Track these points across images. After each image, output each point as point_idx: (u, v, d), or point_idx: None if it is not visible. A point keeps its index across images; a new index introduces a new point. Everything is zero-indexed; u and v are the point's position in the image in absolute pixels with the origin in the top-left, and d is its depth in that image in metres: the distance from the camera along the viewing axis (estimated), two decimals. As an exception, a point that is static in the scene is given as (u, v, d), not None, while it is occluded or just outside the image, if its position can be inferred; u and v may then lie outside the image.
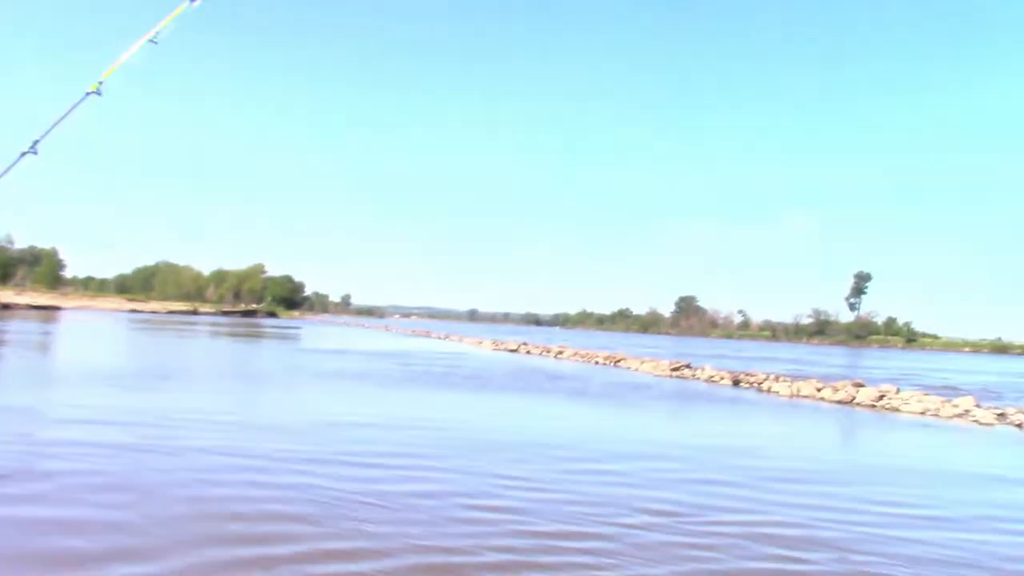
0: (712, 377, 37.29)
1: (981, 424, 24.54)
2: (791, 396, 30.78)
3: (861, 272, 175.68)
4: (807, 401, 29.41)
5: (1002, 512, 11.94)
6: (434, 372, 34.24)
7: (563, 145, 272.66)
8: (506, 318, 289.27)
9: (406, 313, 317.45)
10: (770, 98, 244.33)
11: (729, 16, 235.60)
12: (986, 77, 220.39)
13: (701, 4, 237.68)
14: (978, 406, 26.54)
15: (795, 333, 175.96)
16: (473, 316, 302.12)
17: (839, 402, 28.85)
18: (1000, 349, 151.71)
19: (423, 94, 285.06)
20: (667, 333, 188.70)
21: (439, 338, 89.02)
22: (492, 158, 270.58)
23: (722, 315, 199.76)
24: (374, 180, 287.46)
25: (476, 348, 66.49)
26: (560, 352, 56.81)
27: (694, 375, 38.84)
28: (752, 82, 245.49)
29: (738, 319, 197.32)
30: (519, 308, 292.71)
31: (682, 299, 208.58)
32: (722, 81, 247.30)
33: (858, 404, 28.33)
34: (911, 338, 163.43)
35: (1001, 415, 25.48)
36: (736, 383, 34.95)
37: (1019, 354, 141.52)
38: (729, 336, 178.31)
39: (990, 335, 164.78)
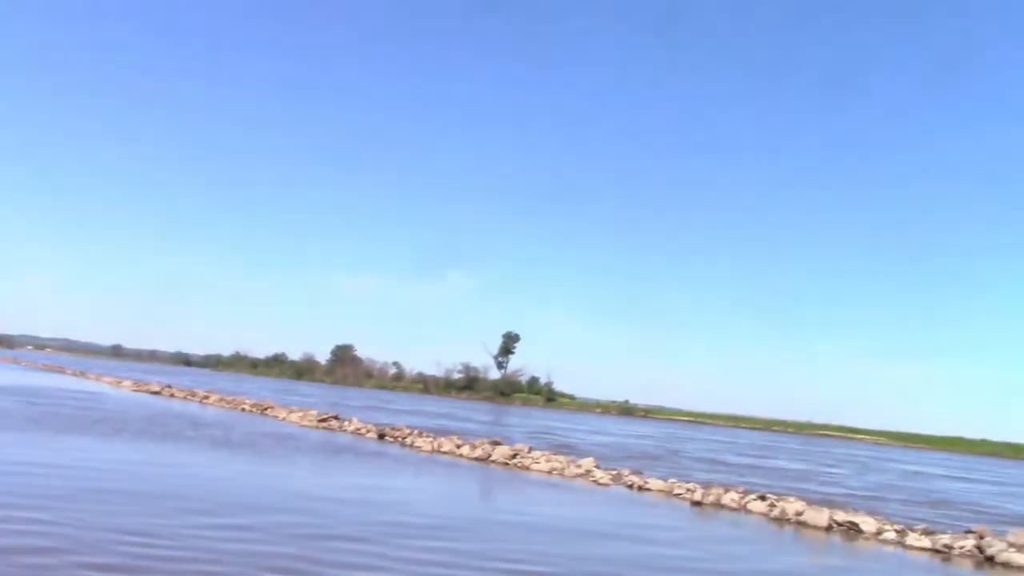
0: (359, 430, 37.57)
1: (599, 484, 26.75)
2: (432, 451, 31.78)
3: (510, 332, 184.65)
4: (447, 457, 30.53)
5: (603, 568, 13.18)
6: (62, 413, 31.72)
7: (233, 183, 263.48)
8: (153, 356, 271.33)
9: (40, 345, 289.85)
10: (433, 163, 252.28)
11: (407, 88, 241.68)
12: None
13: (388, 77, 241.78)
14: (598, 467, 28.92)
15: (445, 387, 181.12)
16: (117, 352, 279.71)
17: (477, 459, 30.23)
18: (626, 411, 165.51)
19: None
20: (322, 381, 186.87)
21: (74, 375, 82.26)
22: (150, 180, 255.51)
23: (377, 365, 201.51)
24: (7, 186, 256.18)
25: (115, 388, 62.20)
26: (206, 397, 54.56)
27: (341, 427, 38.92)
28: (417, 150, 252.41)
29: (392, 371, 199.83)
30: (169, 346, 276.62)
31: (339, 347, 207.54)
32: (388, 149, 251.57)
33: (494, 461, 29.84)
34: (551, 397, 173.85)
35: (616, 476, 27.94)
36: (381, 436, 35.47)
37: (641, 416, 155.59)
38: (383, 387, 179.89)
39: (619, 397, 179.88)
